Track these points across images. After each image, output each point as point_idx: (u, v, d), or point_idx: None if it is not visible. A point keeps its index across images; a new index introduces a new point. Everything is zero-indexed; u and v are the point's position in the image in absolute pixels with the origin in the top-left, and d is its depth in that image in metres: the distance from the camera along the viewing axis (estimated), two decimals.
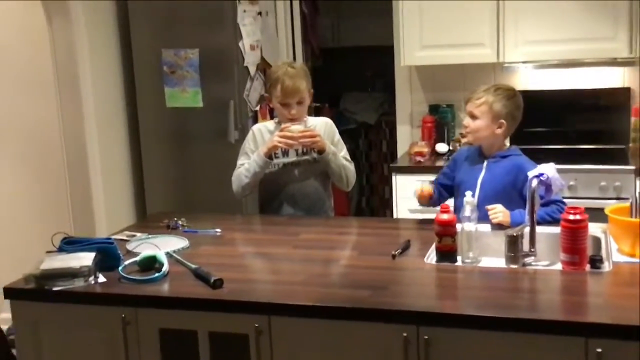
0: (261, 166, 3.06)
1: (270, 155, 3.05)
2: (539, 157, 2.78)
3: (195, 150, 4.16)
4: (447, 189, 2.98)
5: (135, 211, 4.31)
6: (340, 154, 3.13)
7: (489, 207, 2.70)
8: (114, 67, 4.16)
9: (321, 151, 3.05)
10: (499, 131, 2.80)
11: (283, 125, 3.04)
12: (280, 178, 3.15)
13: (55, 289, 2.29)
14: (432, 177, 3.90)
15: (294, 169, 3.14)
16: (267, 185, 3.19)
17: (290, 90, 3.04)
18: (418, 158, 4.15)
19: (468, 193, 2.53)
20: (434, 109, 4.50)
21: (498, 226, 2.64)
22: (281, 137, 2.99)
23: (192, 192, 4.17)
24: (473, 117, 2.83)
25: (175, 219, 2.99)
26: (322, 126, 3.16)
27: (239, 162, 3.17)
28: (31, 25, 3.95)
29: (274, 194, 3.19)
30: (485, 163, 2.85)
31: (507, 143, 2.97)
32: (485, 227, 2.65)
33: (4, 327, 3.61)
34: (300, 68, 3.16)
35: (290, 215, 3.14)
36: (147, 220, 3.78)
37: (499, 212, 2.67)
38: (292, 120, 3.04)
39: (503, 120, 2.78)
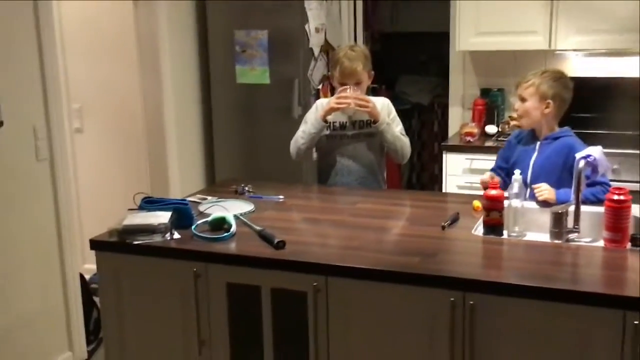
0: (317, 127, 3.07)
1: (326, 119, 3.05)
2: (586, 142, 2.72)
3: (261, 124, 4.20)
4: (505, 171, 2.90)
5: (205, 177, 4.39)
6: (396, 129, 3.11)
7: (535, 185, 2.66)
8: (190, 46, 4.22)
9: (375, 121, 3.04)
10: (547, 111, 2.74)
11: (340, 89, 3.04)
12: (336, 149, 3.16)
13: (135, 242, 2.36)
14: (481, 156, 3.91)
15: (350, 141, 3.14)
16: (324, 155, 3.21)
17: (348, 72, 3.04)
18: (468, 138, 4.11)
19: (517, 171, 2.50)
20: (485, 92, 4.43)
21: (544, 203, 2.60)
22: (337, 98, 3.00)
23: (257, 162, 4.22)
24: (523, 100, 2.78)
25: (242, 185, 3.03)
26: (380, 105, 3.14)
27: (299, 129, 3.19)
28: (118, 4, 4.02)
29: (330, 164, 3.19)
30: (537, 145, 2.80)
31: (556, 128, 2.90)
32: (532, 204, 2.61)
33: (87, 277, 3.74)
34: (361, 51, 3.14)
35: (346, 186, 3.14)
36: (216, 185, 3.85)
37: (544, 190, 2.63)
38: None
39: (550, 101, 2.73)
